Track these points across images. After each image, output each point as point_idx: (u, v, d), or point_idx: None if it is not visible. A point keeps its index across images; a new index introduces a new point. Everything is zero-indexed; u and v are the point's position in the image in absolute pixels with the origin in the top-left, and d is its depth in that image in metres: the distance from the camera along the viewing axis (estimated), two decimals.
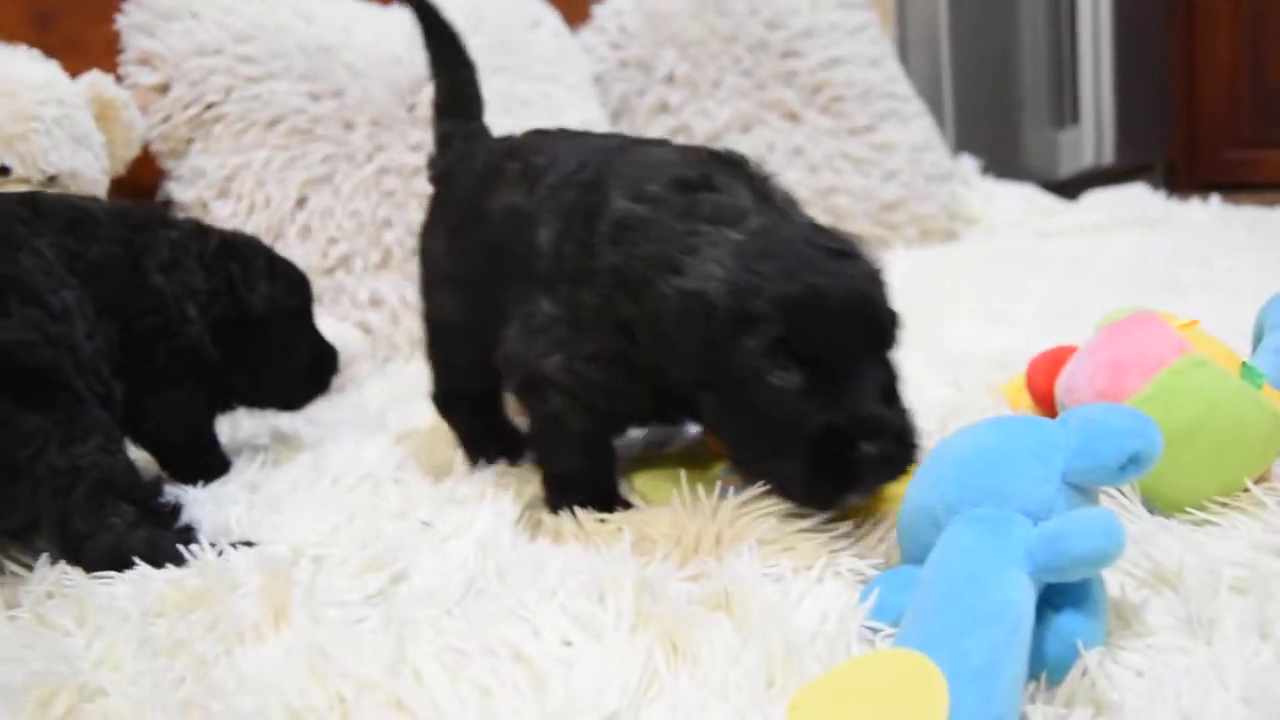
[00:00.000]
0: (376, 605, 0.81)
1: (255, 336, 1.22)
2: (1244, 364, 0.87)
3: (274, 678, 0.68)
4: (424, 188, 1.80)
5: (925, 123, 2.52)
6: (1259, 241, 2.17)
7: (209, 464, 1.20)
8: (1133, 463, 0.69)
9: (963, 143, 2.86)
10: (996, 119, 3.04)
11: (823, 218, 2.22)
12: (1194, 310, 1.28)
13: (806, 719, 0.58)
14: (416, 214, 1.80)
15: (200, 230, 1.24)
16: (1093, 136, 3.14)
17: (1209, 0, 3.66)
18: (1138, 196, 2.59)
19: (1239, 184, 3.62)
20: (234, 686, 0.68)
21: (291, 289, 1.28)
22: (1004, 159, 2.97)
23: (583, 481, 0.98)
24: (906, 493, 0.78)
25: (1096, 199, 2.61)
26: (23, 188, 1.40)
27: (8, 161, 1.44)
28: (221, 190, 1.72)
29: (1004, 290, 1.90)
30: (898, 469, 0.81)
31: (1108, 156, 3.16)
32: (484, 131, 1.29)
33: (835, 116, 2.38)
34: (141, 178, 1.76)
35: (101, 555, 0.90)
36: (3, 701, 0.69)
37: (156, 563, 0.89)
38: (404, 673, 0.67)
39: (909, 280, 1.94)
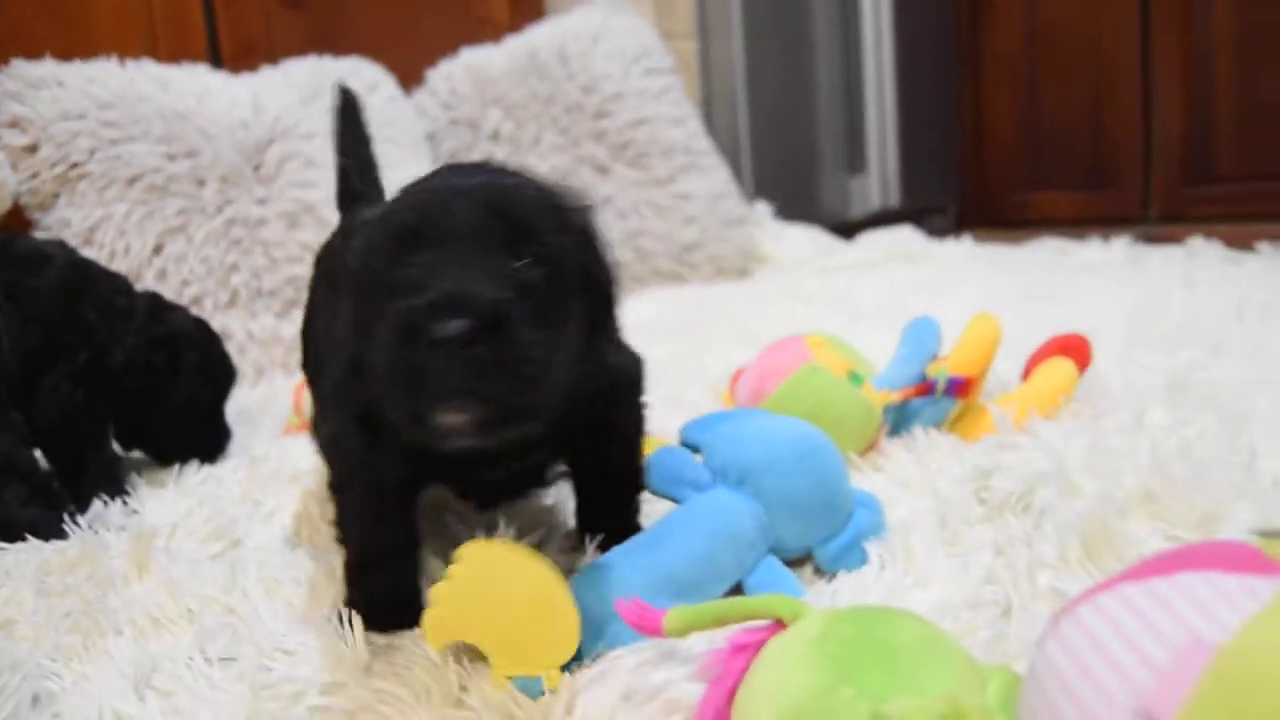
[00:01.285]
0: (217, 560, 1.10)
1: (165, 413, 1.46)
2: (850, 370, 1.22)
3: (140, 601, 0.97)
4: (268, 236, 2.10)
5: (722, 174, 2.89)
6: (994, 273, 2.59)
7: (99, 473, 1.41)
8: None
9: (762, 189, 3.25)
10: (794, 167, 3.43)
11: (629, 257, 2.56)
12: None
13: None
14: (260, 259, 2.08)
15: (154, 310, 1.46)
16: (879, 182, 3.56)
17: (991, 57, 4.15)
18: (905, 237, 3.01)
19: (1022, 222, 4.13)
20: (111, 608, 0.96)
21: (214, 384, 1.51)
22: (802, 203, 3.36)
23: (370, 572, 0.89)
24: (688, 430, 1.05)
25: (871, 239, 3.03)
26: None
27: None
28: (86, 239, 1.96)
29: (772, 319, 2.25)
30: (465, 343, 0.68)
31: (894, 199, 3.59)
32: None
33: (641, 169, 2.73)
34: (10, 228, 1.98)
35: None
36: None
37: (40, 534, 1.15)
38: (235, 593, 0.96)
39: (695, 311, 2.32)
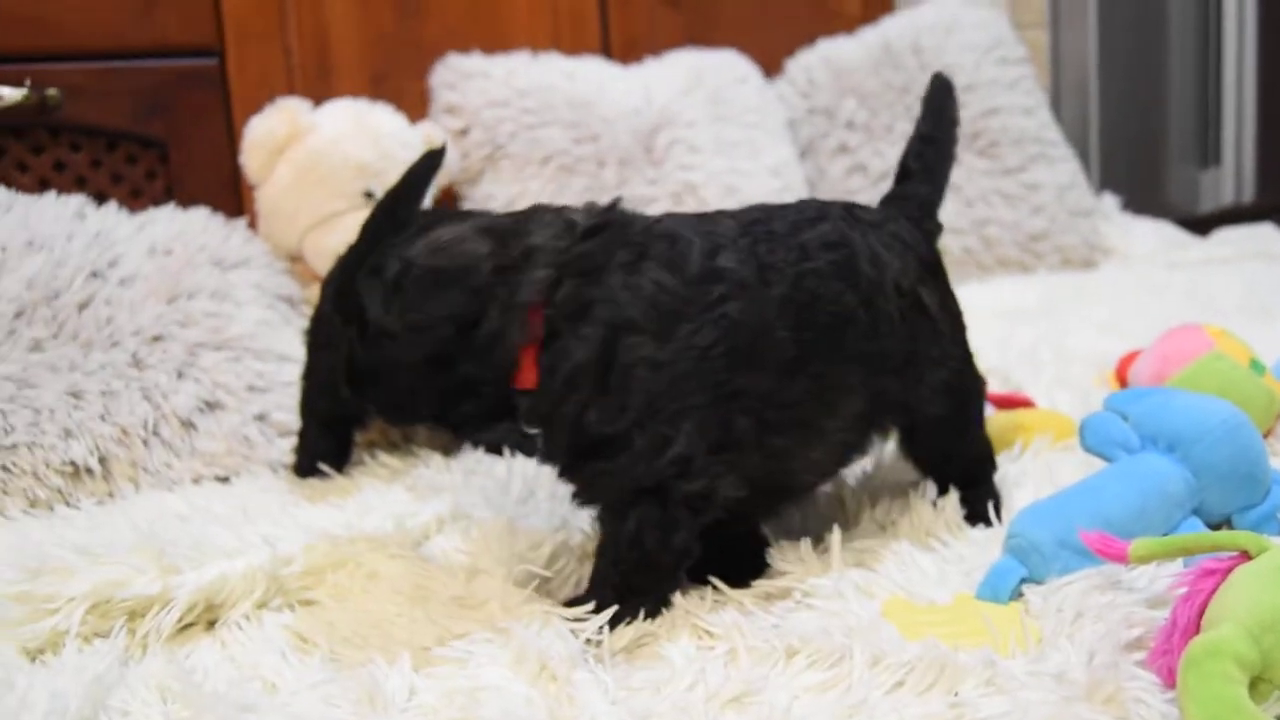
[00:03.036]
0: None
1: None
2: (1251, 359, 1.29)
3: None
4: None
5: (1071, 165, 2.90)
6: None
7: None
8: None
9: (1108, 181, 3.22)
10: (1142, 159, 3.38)
11: (975, 245, 2.64)
12: (1274, 332, 1.67)
13: None
14: None
15: None
16: (1232, 176, 3.44)
17: None
18: (1263, 234, 2.92)
19: None
20: None
21: None
22: (1148, 196, 3.31)
23: None
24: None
25: (1225, 235, 2.95)
26: None
27: (374, 188, 2.01)
28: None
29: (1128, 310, 2.28)
30: None
31: (1247, 194, 3.46)
32: (907, 195, 1.29)
33: (991, 159, 2.79)
34: (441, 201, 2.32)
35: None
36: None
37: None
38: None
39: (1049, 299, 2.37)
